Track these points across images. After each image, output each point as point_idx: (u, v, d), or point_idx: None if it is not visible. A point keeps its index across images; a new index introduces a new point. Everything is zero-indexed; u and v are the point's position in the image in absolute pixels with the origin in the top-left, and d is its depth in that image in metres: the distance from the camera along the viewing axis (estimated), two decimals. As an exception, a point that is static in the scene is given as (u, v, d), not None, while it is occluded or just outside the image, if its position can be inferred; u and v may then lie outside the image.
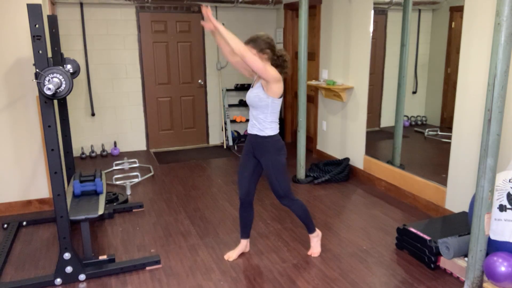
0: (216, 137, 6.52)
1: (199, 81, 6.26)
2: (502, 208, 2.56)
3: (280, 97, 2.77)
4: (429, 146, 4.30)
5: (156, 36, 5.90)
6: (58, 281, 2.76)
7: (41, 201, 3.97)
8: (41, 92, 2.47)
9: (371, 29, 4.45)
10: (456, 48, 3.60)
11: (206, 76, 6.27)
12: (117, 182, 4.74)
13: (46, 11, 4.08)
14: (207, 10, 2.61)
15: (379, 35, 4.48)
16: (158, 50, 5.95)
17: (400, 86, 4.23)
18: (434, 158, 4.22)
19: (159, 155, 5.89)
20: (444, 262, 2.88)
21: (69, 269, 2.76)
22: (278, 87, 2.71)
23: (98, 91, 5.76)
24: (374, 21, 4.43)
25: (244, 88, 6.38)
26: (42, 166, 3.90)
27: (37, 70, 2.47)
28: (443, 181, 3.69)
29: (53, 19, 3.40)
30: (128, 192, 4.42)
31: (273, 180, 2.86)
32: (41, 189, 3.95)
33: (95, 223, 3.71)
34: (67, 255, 2.74)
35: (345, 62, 4.92)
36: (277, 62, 2.80)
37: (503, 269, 2.46)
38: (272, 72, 2.66)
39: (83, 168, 5.28)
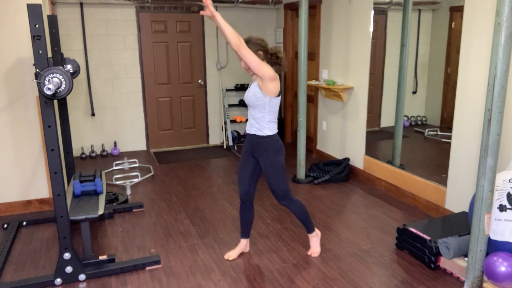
0: (216, 137, 6.52)
1: (199, 81, 6.26)
2: (502, 208, 2.57)
3: (278, 96, 2.76)
4: (429, 146, 4.30)
5: (156, 36, 5.91)
6: (58, 281, 2.76)
7: (41, 201, 3.97)
8: (41, 92, 2.47)
9: (371, 29, 4.45)
10: (456, 48, 3.60)
11: (206, 76, 6.27)
12: (117, 182, 4.74)
13: (46, 11, 4.08)
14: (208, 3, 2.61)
15: (379, 35, 4.48)
16: (158, 50, 5.95)
17: (400, 86, 4.23)
18: (434, 158, 4.22)
19: (159, 155, 5.89)
20: (444, 262, 2.89)
21: (69, 269, 2.76)
22: (273, 86, 2.70)
23: (98, 91, 5.76)
24: (374, 21, 4.43)
25: (244, 88, 6.38)
26: (42, 166, 3.90)
27: (37, 70, 2.47)
28: (443, 181, 3.69)
29: (53, 19, 3.40)
30: (128, 192, 4.42)
31: (272, 180, 2.86)
32: (41, 189, 3.95)
33: (95, 223, 3.71)
34: (67, 255, 2.74)
35: (345, 62, 4.92)
36: (272, 60, 2.79)
37: (503, 269, 2.46)
38: (267, 70, 2.65)
39: (83, 168, 5.28)
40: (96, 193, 3.20)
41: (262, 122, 2.78)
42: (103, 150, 5.81)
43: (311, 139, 5.81)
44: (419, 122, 4.30)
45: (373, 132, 4.73)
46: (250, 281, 2.81)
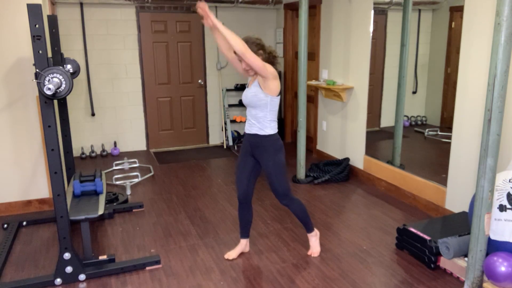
0: (216, 137, 6.52)
1: (199, 81, 6.26)
2: (502, 208, 2.57)
3: (278, 95, 2.78)
4: (429, 146, 4.31)
5: (156, 36, 5.90)
6: (58, 281, 2.76)
7: (41, 201, 3.97)
8: (41, 92, 2.47)
9: (371, 29, 4.45)
10: (456, 48, 3.60)
11: (206, 76, 6.27)
12: (117, 182, 4.74)
13: (46, 11, 4.08)
14: (204, 6, 2.60)
15: (379, 35, 4.48)
16: (158, 50, 5.95)
17: (400, 86, 4.23)
18: (434, 158, 4.22)
19: (159, 155, 5.89)
20: (444, 262, 2.88)
21: (69, 269, 2.76)
22: (275, 85, 2.73)
23: (98, 91, 5.76)
24: (374, 21, 4.43)
25: (244, 88, 6.38)
26: (42, 166, 3.90)
27: (37, 70, 2.47)
28: (443, 181, 3.69)
29: (53, 19, 3.40)
30: (128, 192, 4.42)
31: (273, 180, 2.86)
32: (41, 189, 3.95)
33: (95, 223, 3.71)
34: (67, 255, 2.74)
35: (345, 62, 4.92)
36: (270, 59, 2.82)
37: (503, 269, 2.46)
38: (270, 69, 2.70)
39: (83, 168, 5.28)
40: (96, 193, 3.20)
41: (264, 121, 2.79)
42: (103, 150, 5.81)
43: (311, 139, 5.81)
44: (419, 122, 4.30)
45: (373, 132, 4.73)
46: (250, 281, 2.81)
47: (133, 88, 5.92)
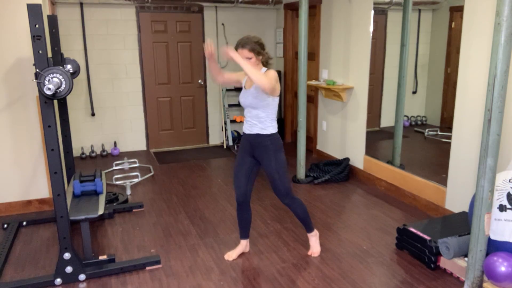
0: (216, 137, 6.52)
1: (199, 81, 6.26)
2: (502, 208, 2.57)
3: (278, 94, 2.81)
4: (429, 146, 4.31)
5: (156, 36, 5.90)
6: (58, 281, 2.76)
7: (41, 201, 3.97)
8: (41, 92, 2.47)
9: (371, 29, 4.45)
10: (456, 48, 3.60)
11: (206, 76, 6.27)
12: (117, 182, 4.74)
13: (46, 11, 4.08)
14: (227, 51, 2.60)
15: (379, 35, 4.48)
16: (158, 50, 5.95)
17: (400, 86, 4.23)
18: (434, 158, 4.23)
19: (159, 155, 5.89)
20: (444, 262, 2.88)
21: (69, 269, 2.76)
22: (277, 87, 2.75)
23: (98, 91, 5.76)
24: (374, 21, 4.43)
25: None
26: (42, 166, 3.90)
27: (37, 70, 2.47)
28: (443, 181, 3.69)
29: (53, 19, 3.40)
30: (128, 192, 4.42)
31: (276, 179, 2.86)
32: (41, 189, 3.95)
33: (95, 223, 3.71)
34: (67, 255, 2.74)
35: (345, 62, 4.92)
36: (267, 58, 2.85)
37: (503, 269, 2.46)
38: (273, 77, 2.69)
39: (83, 168, 5.28)
40: (96, 193, 3.20)
41: (266, 121, 2.82)
42: (103, 150, 5.81)
43: (311, 139, 5.81)
44: (419, 122, 4.31)
45: (373, 132, 4.73)
46: (250, 281, 2.81)
47: (133, 88, 5.92)
